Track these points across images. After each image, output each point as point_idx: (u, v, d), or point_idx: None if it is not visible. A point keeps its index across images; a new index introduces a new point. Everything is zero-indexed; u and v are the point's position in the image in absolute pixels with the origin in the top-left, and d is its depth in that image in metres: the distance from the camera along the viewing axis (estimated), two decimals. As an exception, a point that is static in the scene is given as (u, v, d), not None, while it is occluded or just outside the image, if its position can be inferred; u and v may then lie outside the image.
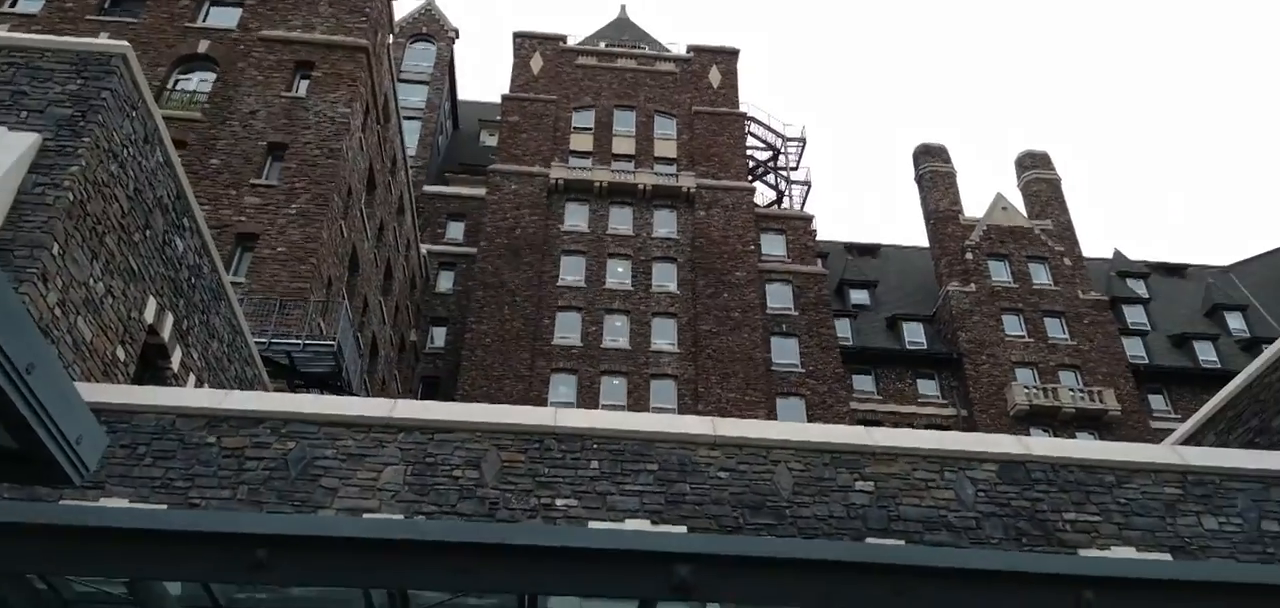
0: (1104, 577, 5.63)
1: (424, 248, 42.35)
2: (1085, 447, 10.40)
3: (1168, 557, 9.22)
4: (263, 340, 19.87)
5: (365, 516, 8.36)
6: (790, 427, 10.68)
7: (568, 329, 38.99)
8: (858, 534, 9.38)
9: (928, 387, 41.62)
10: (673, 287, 40.75)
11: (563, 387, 37.33)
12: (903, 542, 9.18)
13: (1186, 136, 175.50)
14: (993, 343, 41.78)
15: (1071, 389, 39.34)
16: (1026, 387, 39.62)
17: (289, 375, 20.94)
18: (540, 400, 35.70)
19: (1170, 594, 5.62)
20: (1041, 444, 10.42)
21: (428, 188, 47.34)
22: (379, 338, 32.17)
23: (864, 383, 41.47)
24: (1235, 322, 46.62)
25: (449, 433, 9.46)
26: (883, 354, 42.50)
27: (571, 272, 40.89)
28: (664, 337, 39.82)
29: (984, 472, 10.07)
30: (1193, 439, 17.35)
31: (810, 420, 35.11)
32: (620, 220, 42.61)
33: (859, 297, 46.78)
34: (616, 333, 39.26)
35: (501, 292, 39.32)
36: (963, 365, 41.12)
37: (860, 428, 10.52)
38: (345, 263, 27.23)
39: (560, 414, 10.25)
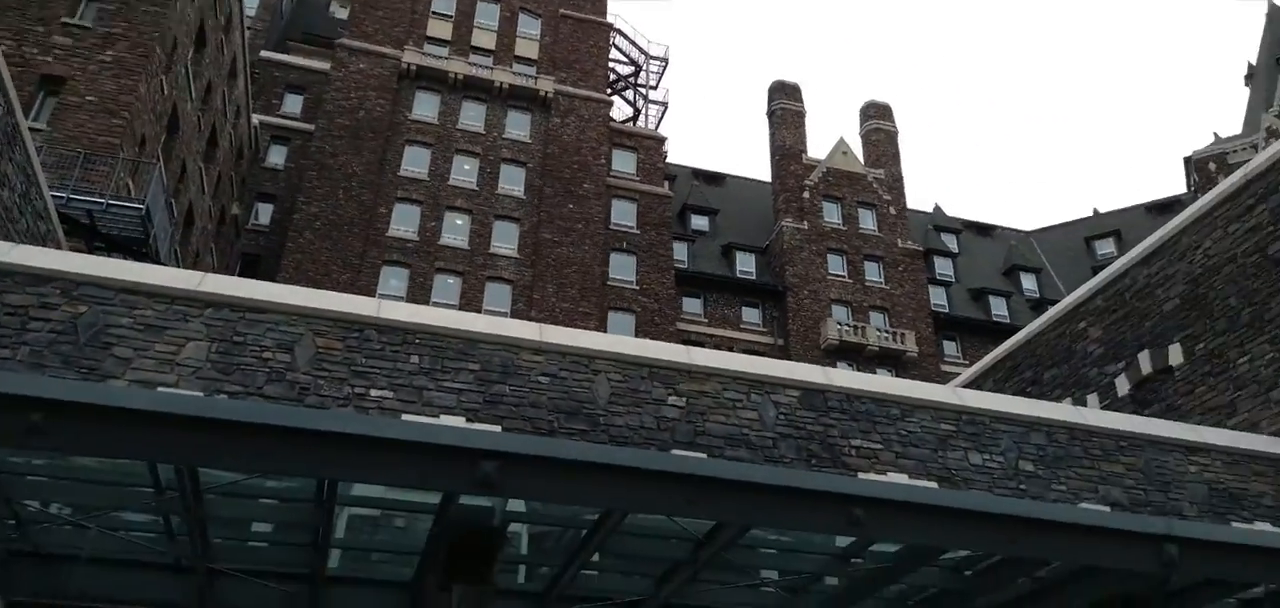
0: (872, 497, 6.23)
1: (256, 118, 39.65)
2: (879, 382, 11.32)
3: (934, 485, 10.24)
4: (61, 195, 18.20)
5: (159, 390, 7.98)
6: (614, 339, 10.98)
7: (405, 222, 37.83)
8: (665, 445, 9.86)
9: (752, 315, 43.50)
10: (519, 191, 40.23)
11: (394, 281, 36.36)
12: (704, 455, 9.73)
13: (1016, 108, 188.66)
14: (816, 280, 44.06)
15: (878, 329, 42.23)
16: (840, 323, 42.21)
17: (88, 236, 19.32)
18: (368, 292, 34.64)
19: (928, 518, 6.30)
20: (842, 377, 11.25)
21: (265, 54, 44.14)
22: (196, 207, 30.10)
23: (693, 305, 42.81)
24: (1028, 283, 51.22)
25: (261, 314, 9.12)
26: (714, 280, 43.95)
27: (415, 163, 39.52)
28: (505, 240, 39.41)
29: (787, 397, 10.79)
30: (975, 384, 19.16)
31: (638, 337, 35.95)
32: (472, 117, 41.41)
33: (699, 222, 47.93)
34: (456, 232, 38.49)
35: (337, 175, 37.53)
36: (786, 298, 43.20)
37: (680, 347, 10.97)
38: (163, 122, 25.14)
39: (384, 306, 10.07)
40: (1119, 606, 6.74)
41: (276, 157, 41.50)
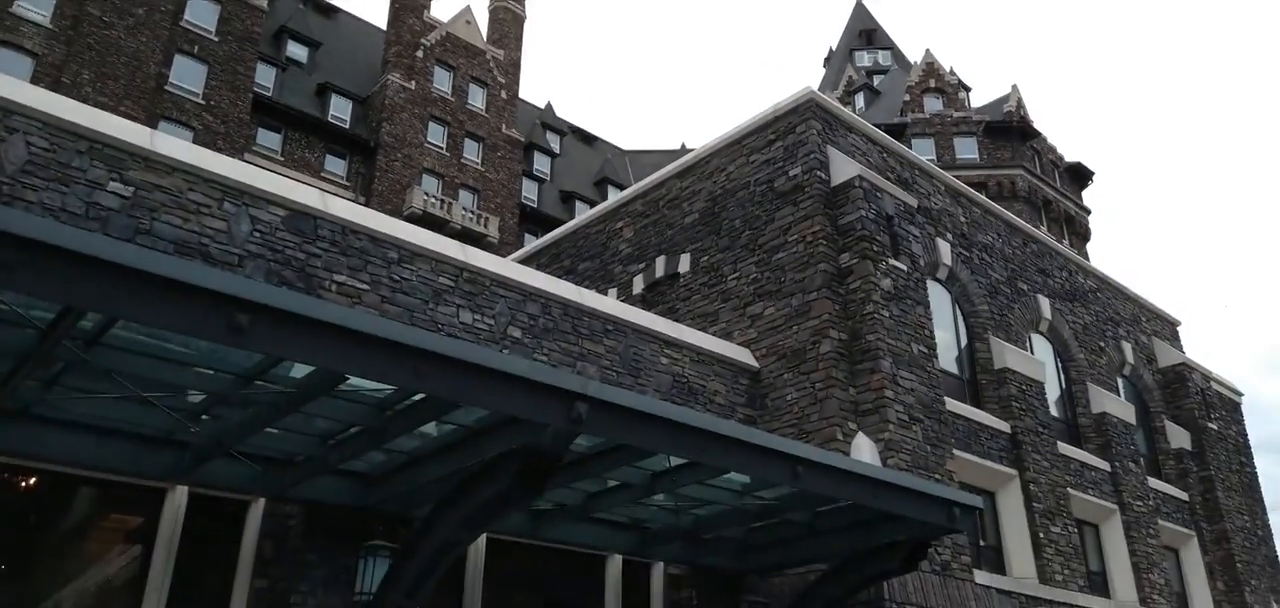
0: (261, 303, 5.31)
1: None
2: (380, 219, 10.44)
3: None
4: None
5: None
6: (47, 96, 8.75)
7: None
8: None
9: (336, 165, 40.61)
10: (61, -54, 32.81)
11: None
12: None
13: (645, 27, 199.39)
14: (412, 145, 42.33)
15: (465, 209, 41.93)
16: (427, 194, 41.12)
17: None
18: None
19: (327, 337, 5.55)
20: (341, 206, 10.18)
21: None
22: None
23: (270, 140, 38.75)
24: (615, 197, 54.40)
25: None
26: (301, 118, 40.15)
27: None
28: (38, 4, 32.08)
29: (270, 214, 9.47)
30: (526, 262, 19.35)
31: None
32: None
33: (296, 51, 43.31)
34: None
35: None
36: (377, 156, 40.97)
37: (135, 126, 9.07)
38: None
39: None
40: (528, 459, 6.63)
41: None
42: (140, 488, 7.72)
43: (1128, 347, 19.57)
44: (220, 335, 5.30)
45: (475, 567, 9.47)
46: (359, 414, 6.94)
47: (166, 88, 34.38)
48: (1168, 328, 21.53)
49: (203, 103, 35.32)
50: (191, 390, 6.76)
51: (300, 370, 6.28)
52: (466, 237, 41.14)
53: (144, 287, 5.04)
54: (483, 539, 9.59)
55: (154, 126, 33.12)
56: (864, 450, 11.70)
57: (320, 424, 7.31)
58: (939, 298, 15.47)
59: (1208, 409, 20.37)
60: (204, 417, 7.00)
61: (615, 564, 10.73)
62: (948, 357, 15.06)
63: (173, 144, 9.15)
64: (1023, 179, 50.87)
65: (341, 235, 9.89)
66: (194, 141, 34.06)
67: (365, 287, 9.82)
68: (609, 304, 12.10)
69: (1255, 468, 22.45)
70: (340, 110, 42.03)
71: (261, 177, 9.77)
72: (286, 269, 9.36)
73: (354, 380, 6.22)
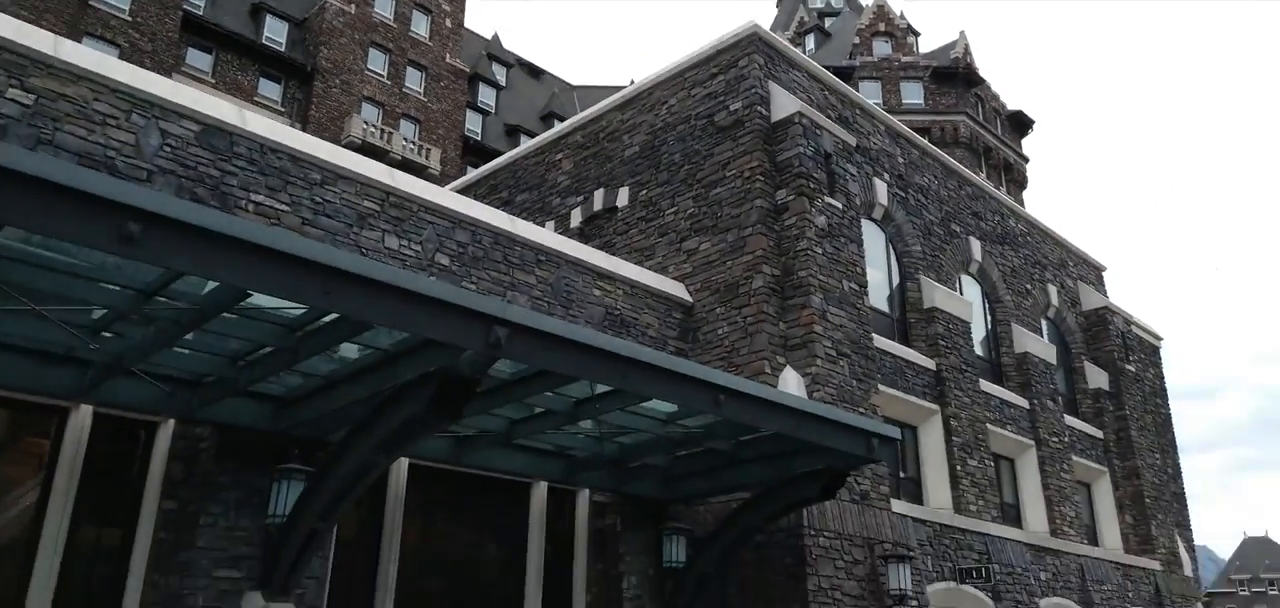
0: (154, 211, 5.11)
1: None
2: (302, 138, 10.10)
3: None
4: None
5: None
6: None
7: None
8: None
9: (271, 89, 39.27)
10: None
11: None
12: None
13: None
14: (351, 71, 41.13)
15: (406, 140, 41.04)
16: (367, 123, 40.10)
17: None
18: None
19: (227, 250, 5.36)
20: (259, 123, 9.83)
21: None
22: None
23: (201, 60, 37.24)
24: (559, 132, 53.63)
25: None
26: (234, 39, 38.65)
27: None
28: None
29: (183, 128, 9.10)
30: (462, 192, 19.02)
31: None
32: None
33: (229, -32, 41.53)
34: None
35: None
36: (314, 82, 39.73)
37: (38, 30, 8.59)
38: None
39: None
40: (444, 384, 6.55)
41: None
42: (41, 406, 7.46)
43: (1053, 290, 20.09)
44: (110, 245, 5.09)
45: (396, 493, 9.41)
46: (269, 335, 6.77)
47: (91, 2, 32.76)
48: (1093, 273, 22.13)
49: (129, 18, 33.76)
50: (92, 306, 6.50)
51: (204, 287, 6.08)
52: (407, 168, 40.29)
53: (28, 190, 4.81)
54: (403, 465, 9.53)
55: (75, 40, 31.65)
56: (791, 383, 11.85)
57: (231, 345, 7.12)
58: (874, 237, 15.65)
59: (1127, 352, 21.08)
60: (105, 334, 6.76)
61: (540, 492, 10.77)
62: (879, 295, 15.29)
63: (78, 51, 8.70)
64: (965, 125, 51.50)
65: (260, 154, 9.56)
66: (119, 57, 32.63)
67: (285, 208, 9.53)
68: (541, 234, 11.97)
69: (1170, 410, 23.40)
70: (276, 32, 40.55)
71: (173, 88, 9.36)
72: (199, 187, 9.03)
73: (260, 299, 6.05)
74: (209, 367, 7.44)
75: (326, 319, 6.50)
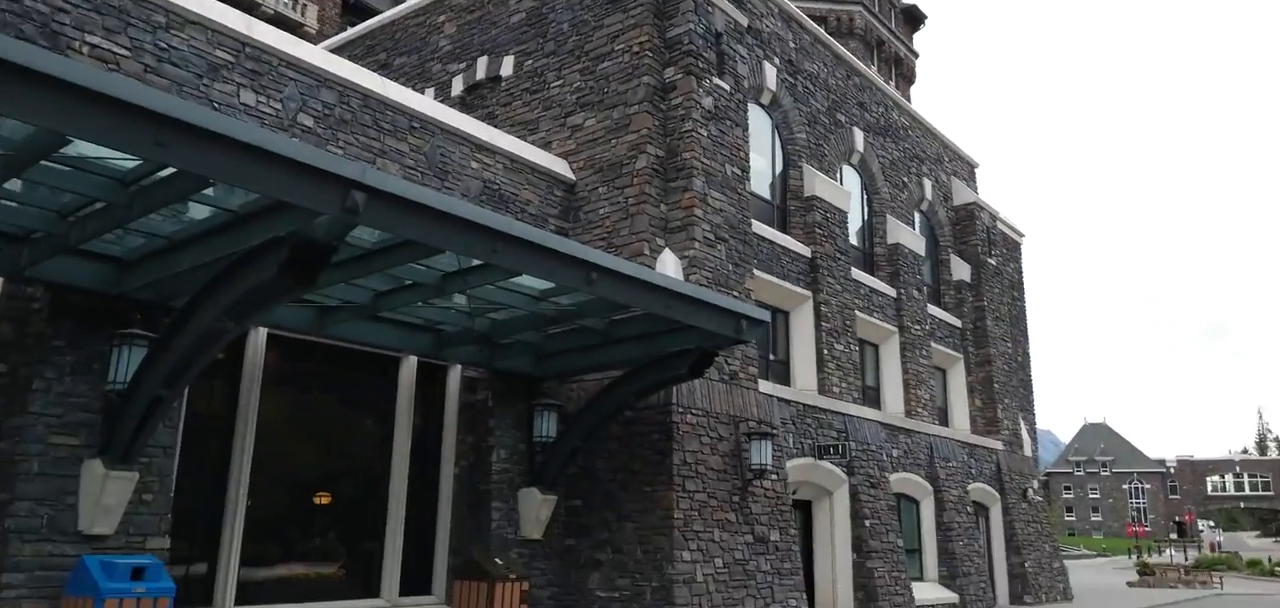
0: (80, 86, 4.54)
1: None
2: (147, -21, 9.21)
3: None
4: None
5: None
6: None
7: None
8: None
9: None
10: None
11: None
12: None
13: None
14: (219, -90, 37.77)
15: (282, -9, 38.27)
16: (237, -31, 37.13)
17: None
18: None
19: (42, 92, 4.84)
20: (96, -43, 8.87)
21: None
22: None
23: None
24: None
25: None
26: None
27: None
28: None
29: (4, -40, 8.14)
30: (335, 52, 17.93)
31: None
32: None
33: None
34: None
35: None
36: (177, -82, 36.29)
37: None
38: None
39: None
40: (297, 249, 6.21)
41: None
42: None
43: (928, 183, 20.75)
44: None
45: (253, 363, 9.06)
46: (100, 188, 6.24)
47: None
48: (966, 169, 22.95)
49: None
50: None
51: (17, 130, 5.51)
52: (281, 24, 37.73)
53: None
54: (262, 334, 9.15)
55: None
56: (669, 265, 11.90)
57: (63, 198, 6.55)
58: (760, 123, 15.66)
59: (990, 246, 22.13)
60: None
61: (410, 366, 10.58)
62: (761, 181, 15.42)
63: None
64: (861, 16, 51.80)
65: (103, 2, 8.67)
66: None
67: (125, 52, 8.74)
68: (416, 100, 11.43)
69: (1026, 303, 24.87)
70: None
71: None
72: (26, 23, 8.15)
73: (83, 147, 5.53)
74: (36, 221, 6.84)
75: (163, 174, 6.03)
